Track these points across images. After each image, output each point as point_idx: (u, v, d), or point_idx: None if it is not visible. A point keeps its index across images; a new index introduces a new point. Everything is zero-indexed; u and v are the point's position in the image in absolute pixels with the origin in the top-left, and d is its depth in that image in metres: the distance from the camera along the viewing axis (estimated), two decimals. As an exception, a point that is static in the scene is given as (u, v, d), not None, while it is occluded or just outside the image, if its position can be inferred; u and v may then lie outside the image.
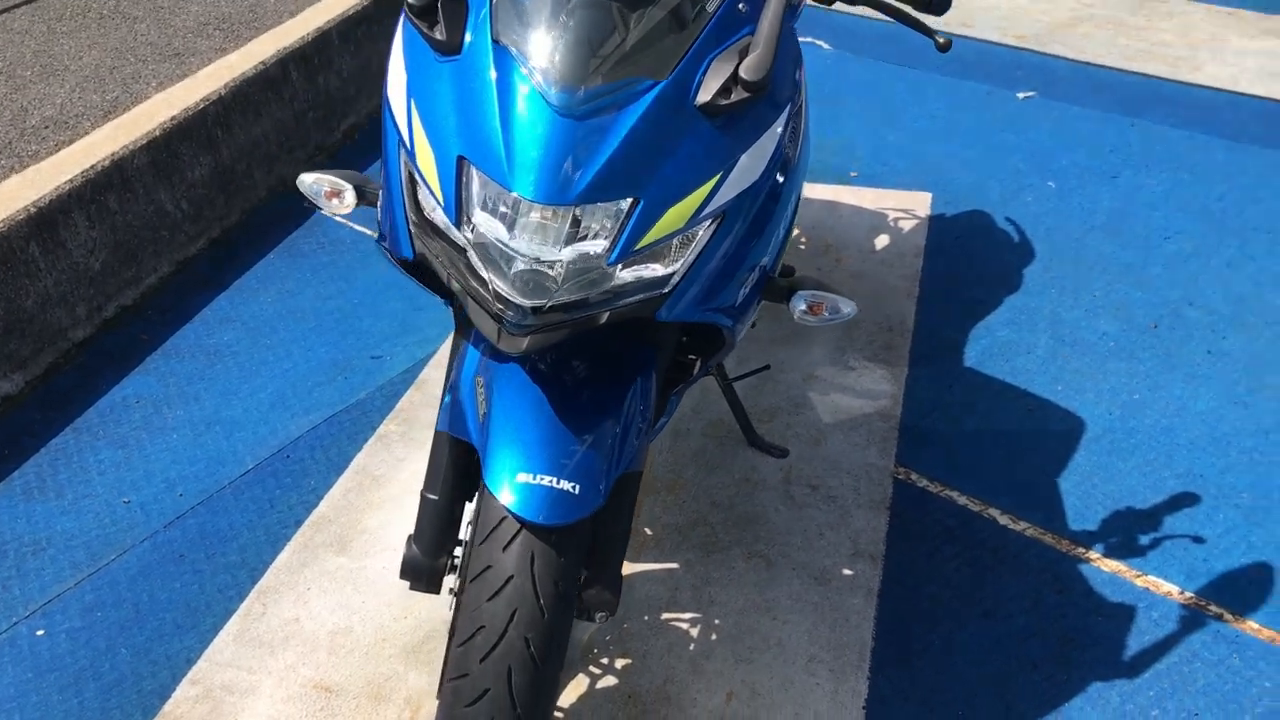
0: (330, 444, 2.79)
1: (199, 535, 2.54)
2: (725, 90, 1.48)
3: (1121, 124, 4.32)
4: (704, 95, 1.49)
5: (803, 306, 1.78)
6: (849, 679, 2.16)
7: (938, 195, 3.87)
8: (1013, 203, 3.83)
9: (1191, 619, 2.29)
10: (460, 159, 1.48)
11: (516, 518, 1.51)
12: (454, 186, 1.48)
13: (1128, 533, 2.50)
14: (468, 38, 1.53)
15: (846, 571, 2.39)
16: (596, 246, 1.46)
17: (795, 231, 3.65)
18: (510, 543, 1.52)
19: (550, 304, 1.47)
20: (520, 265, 1.47)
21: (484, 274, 1.49)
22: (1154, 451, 2.74)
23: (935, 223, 3.73)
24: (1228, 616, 2.30)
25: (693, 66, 1.50)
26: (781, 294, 1.79)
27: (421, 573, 1.81)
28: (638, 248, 1.46)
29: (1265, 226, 3.66)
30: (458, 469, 1.80)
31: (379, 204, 1.74)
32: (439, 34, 1.53)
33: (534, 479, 1.51)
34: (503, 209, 1.46)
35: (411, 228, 1.58)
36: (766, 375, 2.94)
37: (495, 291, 1.48)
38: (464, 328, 1.79)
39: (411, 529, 1.98)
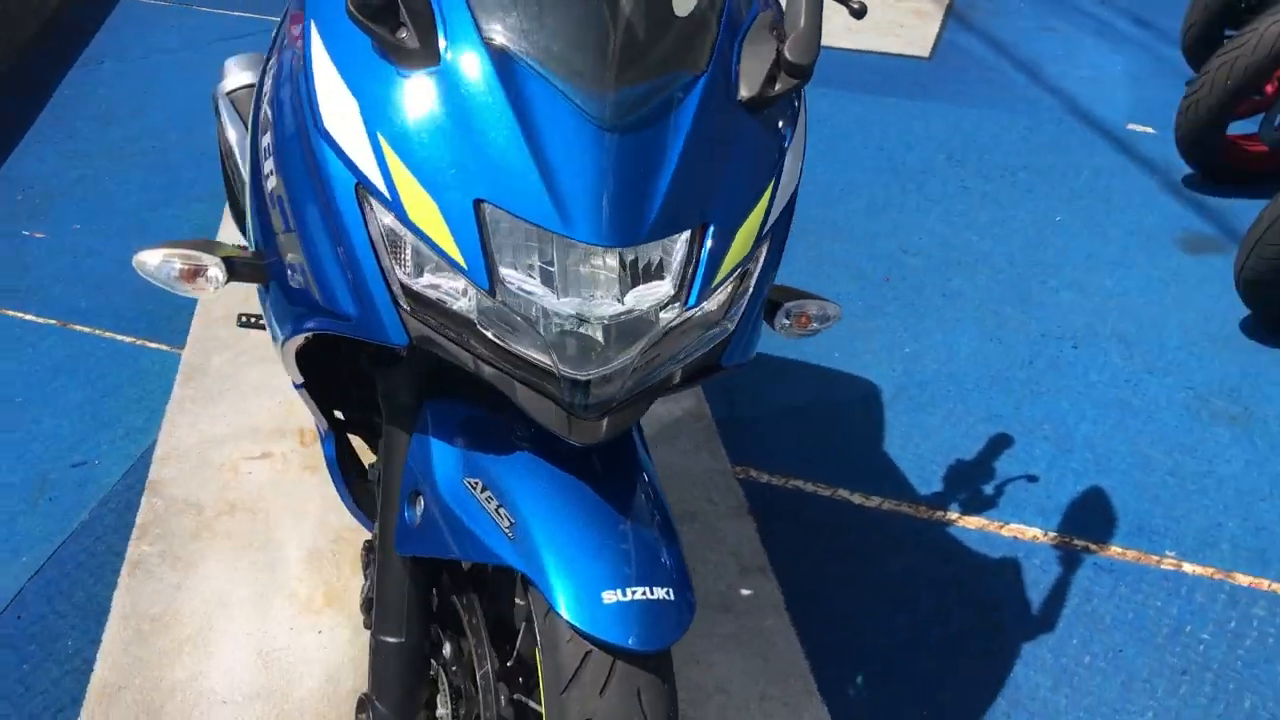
0: (71, 588, 2.18)
1: (-61, 756, 1.87)
2: (771, 79, 1.22)
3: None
4: (748, 87, 1.22)
5: (787, 320, 1.55)
6: (809, 708, 1.98)
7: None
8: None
9: (1067, 558, 2.34)
10: (478, 204, 1.11)
11: (614, 649, 1.18)
12: (478, 242, 1.11)
13: (972, 486, 2.52)
14: (444, 42, 1.15)
15: (745, 592, 2.20)
16: (659, 290, 1.16)
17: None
18: (607, 683, 1.19)
19: (612, 370, 1.15)
20: (556, 328, 1.13)
21: (525, 349, 1.14)
22: (950, 401, 2.78)
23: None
24: (1093, 547, 2.37)
25: (727, 52, 1.22)
26: (768, 310, 1.55)
27: None
28: (715, 283, 1.18)
29: (925, 169, 3.87)
30: (425, 601, 1.42)
31: (289, 279, 1.29)
32: (408, 39, 1.13)
33: (625, 595, 1.18)
34: (534, 260, 1.12)
35: (401, 303, 1.17)
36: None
37: (562, 371, 1.13)
38: (404, 421, 1.39)
39: (363, 687, 1.54)
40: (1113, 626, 2.18)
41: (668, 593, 1.21)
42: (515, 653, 1.37)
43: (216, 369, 2.76)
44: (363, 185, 1.15)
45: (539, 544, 1.21)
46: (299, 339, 1.34)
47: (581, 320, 1.13)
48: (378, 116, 1.14)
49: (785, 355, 2.92)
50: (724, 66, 1.21)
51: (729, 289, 1.22)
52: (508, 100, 1.11)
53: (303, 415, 2.60)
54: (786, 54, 1.19)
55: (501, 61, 1.13)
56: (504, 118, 1.11)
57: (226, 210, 3.44)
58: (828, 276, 3.26)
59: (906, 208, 3.63)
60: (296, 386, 1.64)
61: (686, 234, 1.16)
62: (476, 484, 1.28)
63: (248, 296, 2.75)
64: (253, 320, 2.25)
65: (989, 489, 2.51)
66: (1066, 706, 2.02)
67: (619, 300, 1.13)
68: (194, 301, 3.02)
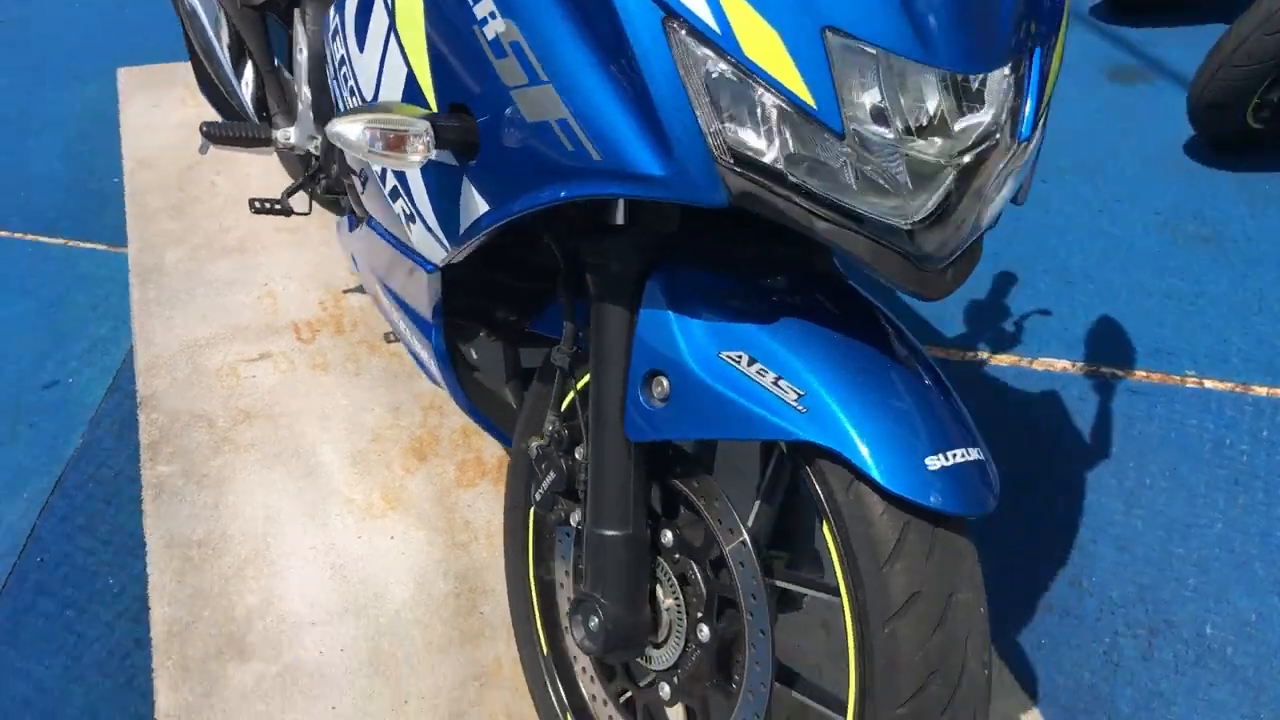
0: (90, 521, 1.94)
1: (5, 722, 1.65)
2: None
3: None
4: None
5: None
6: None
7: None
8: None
9: (1099, 385, 2.38)
10: (824, 32, 0.96)
11: (933, 515, 1.10)
12: (828, 77, 0.97)
13: (993, 325, 2.53)
14: None
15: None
16: (980, 120, 1.05)
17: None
18: (932, 551, 1.11)
19: (956, 213, 1.04)
20: (895, 171, 1.02)
21: (861, 200, 1.01)
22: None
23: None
24: (1120, 373, 2.42)
25: None
26: None
27: (632, 634, 1.32)
28: (1042, 111, 1.08)
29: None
30: (647, 489, 1.31)
31: (529, 143, 1.11)
32: None
33: (948, 459, 1.11)
34: (867, 98, 0.99)
35: (721, 156, 1.02)
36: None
37: (910, 215, 1.02)
38: (623, 296, 1.24)
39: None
40: (1160, 447, 2.24)
41: (980, 452, 1.14)
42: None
43: (174, 266, 2.49)
44: (677, 18, 0.98)
45: (840, 414, 1.11)
46: (524, 213, 1.17)
47: (922, 158, 1.01)
48: None
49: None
50: None
51: (1045, 117, 1.13)
52: None
53: (293, 308, 2.37)
54: None
55: None
56: None
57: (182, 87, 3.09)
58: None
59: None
60: (429, 269, 1.47)
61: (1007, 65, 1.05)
62: (739, 357, 1.16)
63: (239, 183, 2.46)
64: (268, 205, 2.01)
65: (1009, 326, 2.53)
66: (1143, 528, 2.08)
67: (950, 135, 1.02)
68: (118, 194, 2.70)
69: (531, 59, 1.09)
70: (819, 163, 1.01)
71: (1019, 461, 2.19)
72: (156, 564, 1.85)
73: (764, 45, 0.97)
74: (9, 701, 1.67)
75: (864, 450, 1.09)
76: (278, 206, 2.01)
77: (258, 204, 2.01)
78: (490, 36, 1.14)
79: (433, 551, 1.90)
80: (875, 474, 1.08)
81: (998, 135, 1.05)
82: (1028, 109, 1.06)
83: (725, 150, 1.02)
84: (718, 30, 0.97)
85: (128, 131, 2.99)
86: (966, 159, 1.03)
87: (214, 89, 2.33)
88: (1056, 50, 1.10)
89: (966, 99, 1.03)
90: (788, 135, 1.00)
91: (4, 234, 2.54)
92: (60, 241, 2.54)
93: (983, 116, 1.04)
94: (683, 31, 0.99)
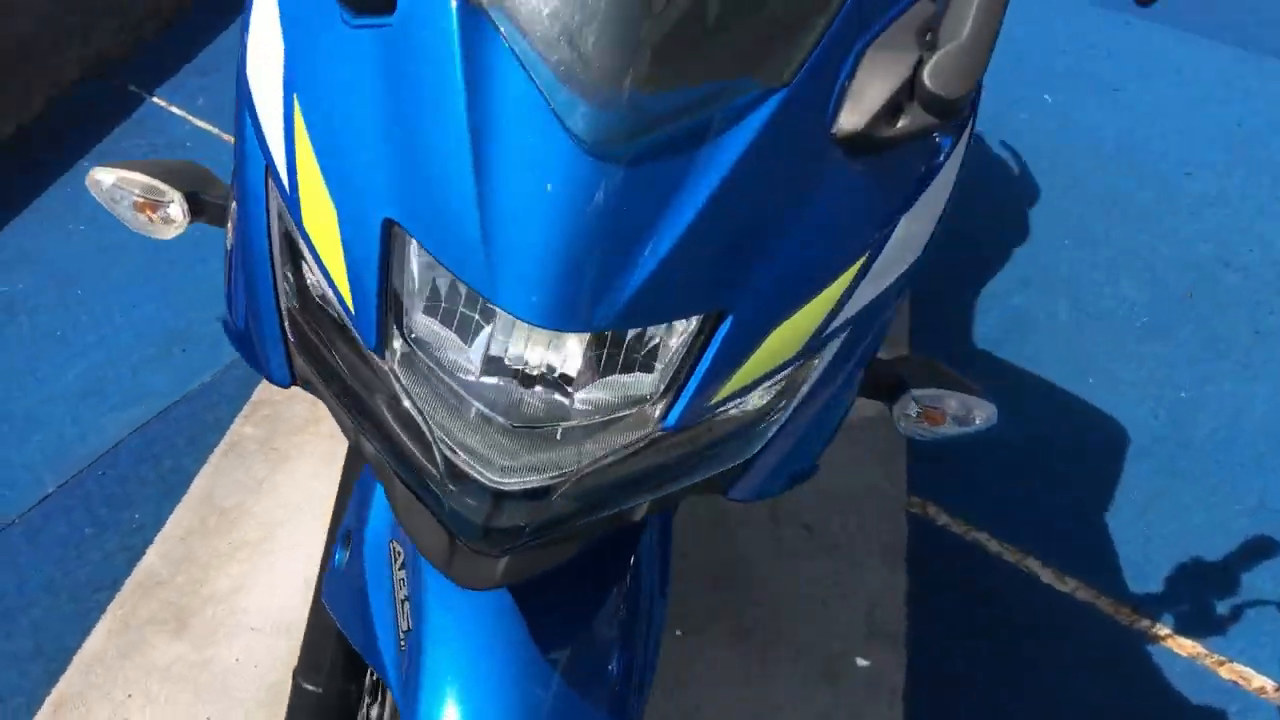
0: (163, 453, 2.07)
1: (-28, 606, 1.82)
2: (893, 110, 0.78)
3: (1114, 21, 3.70)
4: (852, 117, 0.78)
5: (912, 412, 1.12)
6: (882, 839, 1.61)
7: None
8: (1006, 122, 3.20)
9: (1297, 730, 1.80)
10: (389, 225, 0.76)
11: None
12: (375, 273, 0.77)
13: (1200, 598, 1.99)
14: None
15: (861, 662, 1.82)
16: (638, 386, 0.79)
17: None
18: None
19: (529, 486, 0.79)
20: (466, 409, 0.79)
21: (409, 433, 0.80)
22: (1216, 474, 2.22)
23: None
24: (1339, 725, 1.81)
25: (832, 62, 0.79)
26: (885, 389, 1.12)
27: None
28: (718, 399, 0.79)
29: (1292, 161, 3.13)
30: (350, 656, 1.15)
31: (230, 251, 1.01)
32: None
33: None
34: (463, 311, 0.78)
35: (288, 331, 0.86)
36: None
37: (445, 462, 0.79)
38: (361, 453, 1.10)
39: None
40: (1328, 847, 1.66)
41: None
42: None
43: (394, 243, 2.58)
44: (270, 166, 0.83)
45: (426, 672, 0.90)
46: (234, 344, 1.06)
47: (502, 411, 0.79)
48: (298, 73, 0.81)
49: (1021, 366, 2.41)
50: (820, 81, 0.78)
51: (753, 403, 0.83)
52: (465, 84, 0.74)
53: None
54: (925, 78, 0.75)
55: (469, 25, 0.75)
56: (454, 108, 0.74)
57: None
58: (1112, 270, 2.68)
59: (1246, 206, 2.94)
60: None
61: (692, 322, 0.77)
62: (399, 554, 0.98)
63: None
64: None
65: (1222, 608, 1.98)
66: None
67: (564, 395, 0.78)
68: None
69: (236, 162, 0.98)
70: (364, 359, 0.81)
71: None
72: (177, 516, 1.95)
73: (321, 219, 0.79)
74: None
75: (421, 724, 0.88)
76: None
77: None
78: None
79: (401, 605, 1.83)
80: (412, 758, 0.87)
81: (641, 409, 0.78)
82: (689, 389, 0.78)
83: (293, 326, 0.85)
84: (288, 190, 0.81)
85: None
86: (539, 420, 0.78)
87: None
88: (786, 327, 0.79)
89: (606, 350, 0.77)
90: (333, 330, 0.82)
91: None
92: (325, 191, 2.73)
93: (638, 380, 0.78)
94: (274, 181, 0.83)
